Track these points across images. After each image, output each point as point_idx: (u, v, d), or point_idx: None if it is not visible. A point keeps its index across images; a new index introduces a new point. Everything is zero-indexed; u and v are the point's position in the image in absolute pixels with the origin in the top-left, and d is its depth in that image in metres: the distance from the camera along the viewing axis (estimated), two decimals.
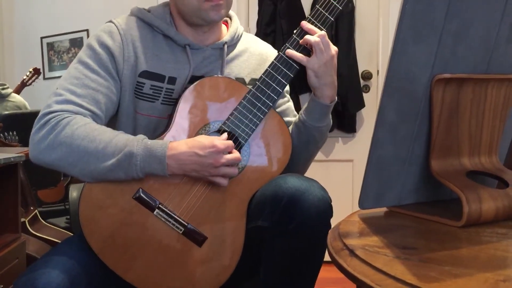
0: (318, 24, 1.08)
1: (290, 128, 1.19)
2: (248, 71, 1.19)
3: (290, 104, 1.25)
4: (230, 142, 1.01)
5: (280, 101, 1.22)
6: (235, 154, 1.01)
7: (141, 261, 1.01)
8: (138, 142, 0.98)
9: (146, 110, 1.10)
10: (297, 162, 1.16)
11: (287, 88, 1.23)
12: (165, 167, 0.98)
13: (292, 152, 1.13)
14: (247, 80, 1.18)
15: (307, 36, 1.06)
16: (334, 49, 1.08)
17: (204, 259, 1.04)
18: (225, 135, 1.03)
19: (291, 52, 1.07)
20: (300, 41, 1.07)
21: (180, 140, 1.01)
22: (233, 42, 1.18)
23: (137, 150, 0.97)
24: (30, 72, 3.06)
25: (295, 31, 1.09)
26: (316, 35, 1.06)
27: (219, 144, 0.99)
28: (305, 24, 1.08)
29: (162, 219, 1.01)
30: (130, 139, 0.99)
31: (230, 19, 1.21)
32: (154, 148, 0.97)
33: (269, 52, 1.24)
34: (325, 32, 1.07)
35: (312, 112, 1.12)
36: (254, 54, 1.21)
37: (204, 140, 1.00)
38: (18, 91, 3.04)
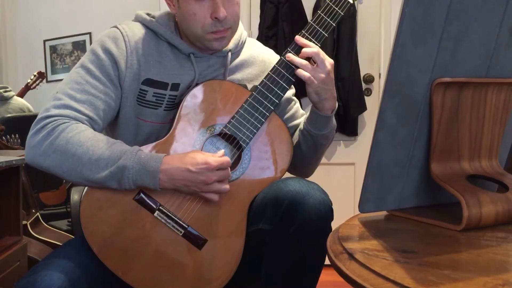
0: (320, 30, 1.08)
1: (297, 132, 1.20)
2: (251, 78, 1.19)
3: (298, 105, 1.26)
4: (225, 159, 1.01)
5: (288, 106, 1.23)
6: (226, 171, 1.01)
7: (141, 262, 1.01)
8: (132, 155, 0.98)
9: (149, 117, 1.10)
10: (307, 163, 1.21)
11: (293, 90, 1.23)
12: (157, 182, 0.98)
13: (301, 156, 1.17)
14: (249, 87, 1.17)
15: (300, 57, 1.06)
16: (330, 62, 1.07)
17: (204, 261, 1.04)
18: (221, 151, 1.03)
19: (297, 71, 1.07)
20: (296, 61, 1.06)
21: (174, 155, 1.01)
22: (237, 49, 1.18)
23: (130, 164, 0.97)
24: (35, 75, 3.07)
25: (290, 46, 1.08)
26: (308, 52, 1.05)
27: (212, 161, 0.98)
28: (299, 39, 1.07)
29: (162, 220, 1.02)
30: (124, 151, 0.98)
31: None
32: (148, 163, 0.98)
33: (272, 59, 1.23)
34: (319, 48, 1.07)
35: (315, 122, 1.14)
36: (257, 61, 1.21)
37: (197, 156, 0.99)
38: (22, 94, 3.05)
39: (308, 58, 1.06)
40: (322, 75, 1.05)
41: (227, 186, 1.02)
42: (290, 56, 1.07)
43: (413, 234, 0.75)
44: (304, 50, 1.06)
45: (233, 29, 1.10)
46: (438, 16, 0.73)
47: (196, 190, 1.00)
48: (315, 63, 1.06)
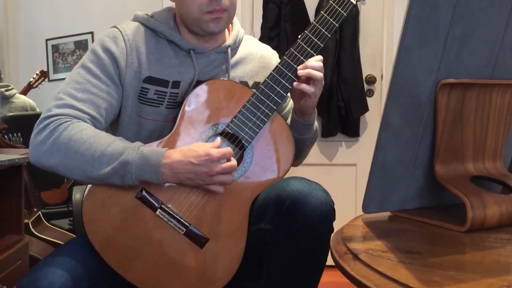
0: (323, 30, 1.08)
1: None
2: (251, 74, 1.19)
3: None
4: (227, 150, 1.00)
5: (286, 101, 1.24)
6: (231, 162, 1.01)
7: (142, 260, 1.01)
8: (134, 151, 0.98)
9: (151, 115, 1.10)
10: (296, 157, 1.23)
11: None
12: (160, 176, 0.98)
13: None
14: (250, 83, 1.18)
15: (310, 71, 1.05)
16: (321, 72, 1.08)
17: (205, 260, 1.04)
18: (218, 141, 1.03)
19: (303, 75, 1.06)
20: (302, 74, 1.06)
21: (175, 149, 1.01)
22: (236, 45, 1.19)
23: (132, 159, 0.97)
24: (37, 74, 3.08)
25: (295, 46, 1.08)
26: (316, 65, 1.05)
27: (213, 152, 0.98)
28: (301, 72, 1.06)
29: (164, 219, 1.02)
30: (126, 147, 0.99)
31: (231, 22, 1.22)
32: (150, 157, 0.98)
33: (270, 55, 1.25)
34: (321, 62, 1.07)
35: (300, 129, 1.16)
36: (256, 57, 1.21)
37: (198, 148, 0.99)
38: (24, 93, 3.06)
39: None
40: (319, 92, 1.08)
41: (231, 177, 1.01)
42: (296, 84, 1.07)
43: (417, 235, 0.75)
44: (310, 70, 1.06)
45: (229, 13, 1.10)
46: (444, 17, 0.73)
47: (200, 183, 1.00)
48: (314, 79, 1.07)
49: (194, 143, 1.03)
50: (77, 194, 1.27)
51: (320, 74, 1.06)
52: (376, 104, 2.60)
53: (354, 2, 1.09)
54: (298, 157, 1.23)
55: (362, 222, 0.80)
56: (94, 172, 0.97)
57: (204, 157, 0.98)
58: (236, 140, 1.07)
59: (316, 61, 1.07)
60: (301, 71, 1.06)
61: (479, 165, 0.82)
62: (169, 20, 1.14)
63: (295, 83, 1.07)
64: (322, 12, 1.08)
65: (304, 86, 1.06)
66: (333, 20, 1.08)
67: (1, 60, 3.26)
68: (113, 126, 1.14)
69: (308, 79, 1.07)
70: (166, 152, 0.99)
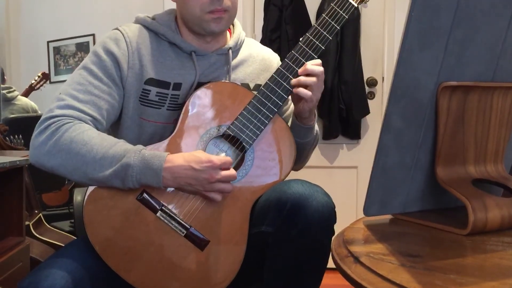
0: (324, 33, 1.08)
1: None
2: (252, 76, 1.19)
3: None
4: (228, 159, 1.01)
5: (288, 103, 1.24)
6: (231, 171, 1.01)
7: (143, 262, 1.01)
8: (136, 154, 0.98)
9: (152, 116, 1.10)
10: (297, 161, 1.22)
11: None
12: (161, 180, 0.98)
13: None
14: (251, 85, 1.18)
15: (305, 78, 1.06)
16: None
17: (206, 262, 1.04)
18: (223, 155, 1.03)
19: (296, 84, 1.07)
20: (294, 83, 1.06)
21: (178, 153, 1.01)
22: (237, 47, 1.19)
23: (134, 162, 0.97)
24: (39, 76, 3.08)
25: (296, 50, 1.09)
26: (316, 69, 1.06)
27: (215, 159, 0.99)
28: (302, 76, 1.06)
29: (165, 221, 1.02)
30: (128, 150, 0.99)
31: (233, 24, 1.22)
32: (151, 161, 0.98)
33: (271, 57, 1.25)
34: (321, 69, 1.07)
35: (299, 132, 1.16)
36: (257, 59, 1.22)
37: (201, 155, 1.00)
38: (26, 95, 3.06)
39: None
40: (319, 95, 1.08)
41: (230, 186, 1.02)
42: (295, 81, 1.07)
43: (418, 238, 0.75)
44: (311, 68, 1.06)
45: (230, 13, 1.11)
46: (445, 19, 0.73)
47: (199, 189, 1.00)
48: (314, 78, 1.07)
49: (195, 150, 1.04)
50: (78, 196, 1.27)
51: (311, 79, 1.06)
52: (377, 107, 2.60)
53: (356, 5, 1.09)
54: (299, 161, 1.23)
55: (363, 225, 0.80)
56: (95, 174, 0.97)
57: (205, 163, 0.98)
58: (237, 143, 1.07)
59: (315, 65, 1.07)
60: (293, 80, 1.06)
61: (481, 168, 0.82)
62: (171, 22, 1.14)
63: (293, 86, 1.07)
64: (323, 15, 1.09)
65: (300, 90, 1.06)
66: (335, 22, 1.08)
67: (2, 62, 3.27)
68: (114, 128, 1.15)
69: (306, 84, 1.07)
70: (168, 156, 0.99)
